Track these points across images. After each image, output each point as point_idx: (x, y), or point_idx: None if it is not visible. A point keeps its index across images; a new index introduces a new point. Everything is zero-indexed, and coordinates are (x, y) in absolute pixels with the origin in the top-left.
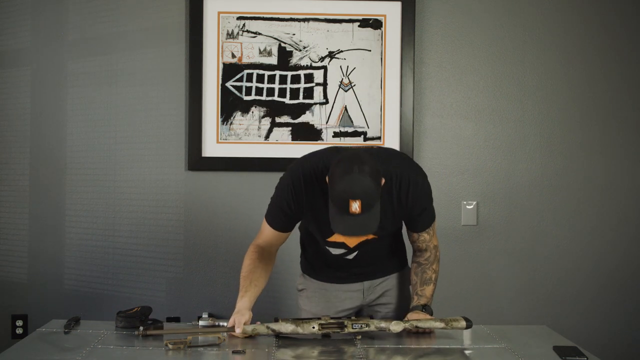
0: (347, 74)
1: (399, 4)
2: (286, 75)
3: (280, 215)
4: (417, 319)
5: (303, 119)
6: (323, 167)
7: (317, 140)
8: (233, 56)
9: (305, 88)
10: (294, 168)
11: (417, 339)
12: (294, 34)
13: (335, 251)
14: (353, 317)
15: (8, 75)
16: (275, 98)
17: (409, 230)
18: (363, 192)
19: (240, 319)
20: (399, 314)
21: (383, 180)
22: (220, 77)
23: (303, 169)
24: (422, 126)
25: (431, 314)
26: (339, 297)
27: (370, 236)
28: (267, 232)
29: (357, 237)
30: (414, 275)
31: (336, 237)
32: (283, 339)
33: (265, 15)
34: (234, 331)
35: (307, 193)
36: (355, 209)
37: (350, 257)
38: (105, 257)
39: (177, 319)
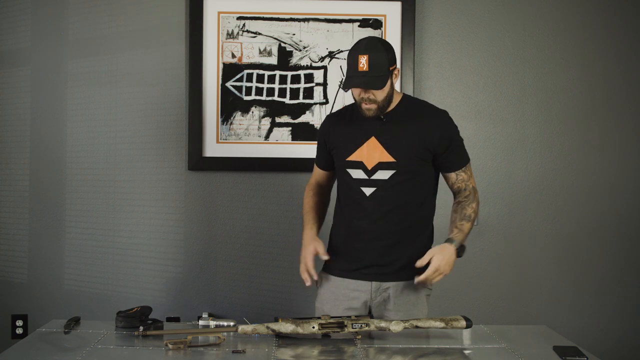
0: None
1: (399, 4)
2: (286, 75)
3: (320, 152)
4: (417, 320)
5: (303, 119)
6: (350, 105)
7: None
8: (233, 56)
9: (305, 88)
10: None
11: (417, 339)
12: (294, 34)
13: (356, 174)
14: (353, 317)
15: (8, 75)
16: (275, 98)
17: (445, 173)
18: (370, 50)
19: (308, 254)
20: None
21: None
22: (220, 77)
23: (335, 111)
24: None
25: (461, 253)
26: (347, 296)
27: (390, 158)
28: (315, 172)
29: (376, 154)
30: (453, 213)
31: (355, 155)
32: (283, 339)
33: (265, 15)
34: (237, 330)
35: (335, 122)
36: (363, 65)
37: (369, 192)
38: (105, 257)
39: (177, 319)
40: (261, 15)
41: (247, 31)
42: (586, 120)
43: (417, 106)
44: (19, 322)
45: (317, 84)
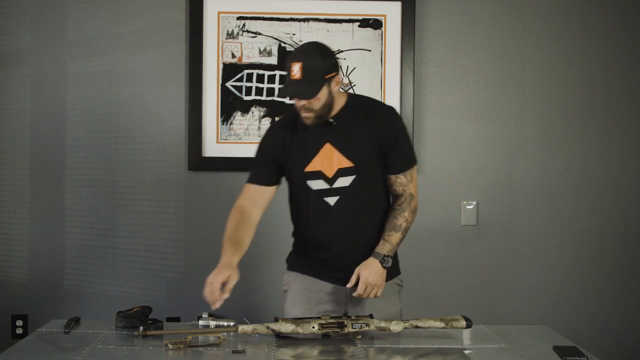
0: (347, 74)
1: (399, 4)
2: None
3: (259, 167)
4: (417, 320)
5: None
6: (293, 113)
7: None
8: (233, 56)
9: None
10: (267, 128)
11: (417, 339)
12: (294, 34)
13: (316, 185)
14: (353, 317)
15: (8, 75)
16: (275, 98)
17: (387, 173)
18: (304, 57)
19: (218, 279)
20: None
21: (338, 78)
22: (220, 77)
23: (278, 121)
24: (422, 126)
25: (386, 266)
26: (321, 299)
27: (349, 163)
28: (247, 192)
29: (333, 159)
30: (386, 222)
31: (313, 165)
32: (283, 339)
33: (265, 15)
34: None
35: (284, 132)
36: (295, 73)
37: (332, 202)
38: (105, 257)
39: (177, 319)
40: (261, 15)
41: (247, 31)
42: (586, 120)
43: (364, 104)
44: (19, 322)
45: None
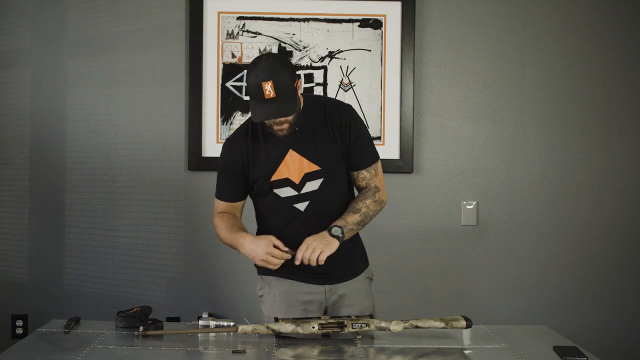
0: (347, 74)
1: (399, 4)
2: None
3: (227, 184)
4: (417, 320)
5: None
6: (248, 123)
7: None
8: (233, 56)
9: (305, 88)
10: (227, 138)
11: (417, 339)
12: (294, 34)
13: (284, 192)
14: (353, 317)
15: (8, 75)
16: None
17: (350, 170)
18: (273, 74)
19: (267, 242)
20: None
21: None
22: (220, 77)
23: (234, 133)
24: (422, 126)
25: (337, 237)
26: (301, 300)
27: (315, 167)
28: (219, 208)
29: (299, 166)
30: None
31: (279, 173)
32: (283, 339)
33: (265, 15)
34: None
35: (244, 145)
36: (269, 92)
37: (303, 208)
38: (105, 257)
39: (177, 319)
40: (261, 15)
41: (247, 31)
42: (586, 120)
43: (320, 104)
44: (19, 322)
45: (317, 84)
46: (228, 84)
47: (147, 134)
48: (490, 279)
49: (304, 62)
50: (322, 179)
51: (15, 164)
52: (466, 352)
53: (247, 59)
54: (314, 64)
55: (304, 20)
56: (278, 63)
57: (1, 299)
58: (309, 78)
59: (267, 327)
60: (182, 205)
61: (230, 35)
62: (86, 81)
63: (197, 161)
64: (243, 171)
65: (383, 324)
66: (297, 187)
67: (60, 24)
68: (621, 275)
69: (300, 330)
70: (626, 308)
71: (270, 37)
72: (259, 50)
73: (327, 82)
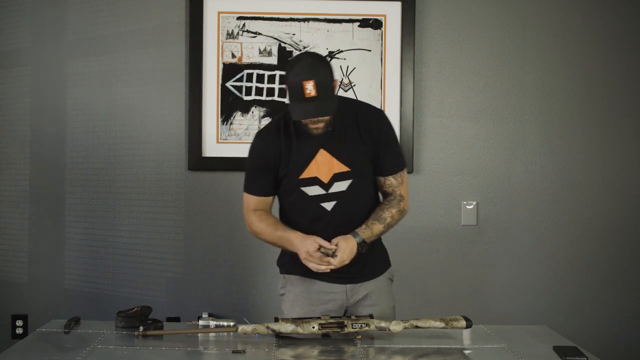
0: (347, 74)
1: (399, 4)
2: None
3: (257, 178)
4: (417, 320)
5: None
6: (282, 119)
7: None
8: (233, 56)
9: None
10: (258, 131)
11: (417, 339)
12: (294, 34)
13: (312, 191)
14: (353, 317)
15: (8, 75)
16: (276, 98)
17: (377, 175)
18: (315, 73)
19: (311, 244)
20: (384, 317)
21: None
22: (220, 77)
23: (266, 127)
24: (422, 126)
25: (361, 252)
26: (322, 300)
27: (345, 168)
28: (250, 202)
29: (329, 165)
30: (372, 212)
31: (309, 171)
32: (283, 339)
33: (265, 15)
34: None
35: (275, 140)
36: (310, 91)
37: (329, 207)
38: (105, 257)
39: (177, 319)
40: (261, 15)
41: (247, 31)
42: (586, 120)
43: (354, 107)
44: (19, 322)
45: None
46: (228, 84)
47: (147, 134)
48: (490, 279)
49: None
50: (350, 180)
51: (15, 164)
52: (466, 352)
53: (247, 59)
54: None
55: (304, 20)
56: (318, 62)
57: (1, 299)
58: None
59: (267, 327)
60: (182, 205)
61: (230, 35)
62: (86, 81)
63: (197, 161)
64: (274, 165)
65: (383, 324)
66: (326, 186)
67: (60, 24)
68: (621, 275)
69: (300, 330)
70: (626, 308)
71: (270, 37)
72: (259, 50)
73: None
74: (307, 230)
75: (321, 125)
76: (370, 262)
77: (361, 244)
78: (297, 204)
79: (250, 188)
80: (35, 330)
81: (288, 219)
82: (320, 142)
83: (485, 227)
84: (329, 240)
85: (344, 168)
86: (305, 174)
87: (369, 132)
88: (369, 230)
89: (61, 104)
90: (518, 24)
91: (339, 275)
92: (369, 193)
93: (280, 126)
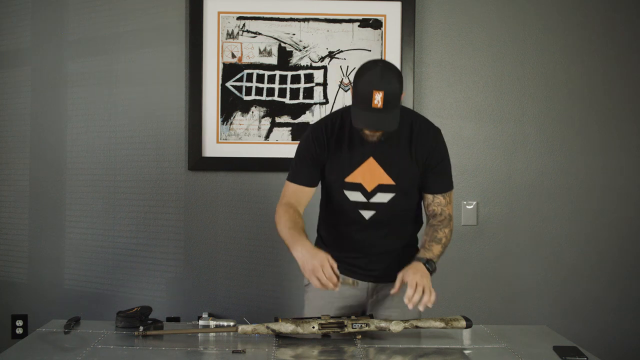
0: (347, 74)
1: (399, 4)
2: (286, 75)
3: (303, 168)
4: (417, 320)
5: (303, 119)
6: (339, 116)
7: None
8: (233, 56)
9: (305, 88)
10: (315, 123)
11: (417, 339)
12: (294, 34)
13: (354, 196)
14: (353, 317)
15: (8, 75)
16: (275, 98)
17: (425, 193)
18: (387, 84)
19: (325, 262)
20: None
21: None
22: (220, 77)
23: (323, 120)
24: None
25: (432, 271)
26: (343, 294)
27: (390, 181)
28: (289, 190)
29: (375, 175)
30: (424, 235)
31: (354, 177)
32: (283, 339)
33: (265, 15)
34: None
35: (328, 137)
36: (378, 102)
37: (367, 216)
38: (105, 257)
39: (177, 319)
40: (261, 15)
41: (247, 31)
42: (586, 120)
43: (409, 119)
44: (19, 322)
45: (317, 84)
46: (228, 84)
47: (147, 134)
48: (490, 279)
49: (303, 62)
50: (393, 194)
51: (15, 164)
52: (466, 352)
53: (247, 59)
54: (314, 64)
55: (304, 20)
56: (391, 73)
57: (1, 299)
58: (309, 78)
59: (267, 327)
60: (182, 205)
61: (230, 35)
62: (86, 81)
63: (197, 161)
64: (319, 160)
65: (383, 324)
66: (368, 195)
67: (60, 24)
68: (621, 275)
69: (300, 330)
70: (626, 308)
71: (270, 37)
72: (259, 50)
73: (327, 82)
74: (340, 228)
75: (379, 134)
76: (397, 263)
77: (428, 262)
78: (337, 206)
79: (291, 175)
80: (35, 330)
81: (328, 217)
82: (371, 150)
83: (485, 227)
84: (366, 250)
85: (389, 181)
86: (350, 179)
87: (422, 148)
88: (429, 252)
89: (61, 104)
90: (518, 24)
91: (364, 273)
92: (409, 210)
93: (335, 123)
